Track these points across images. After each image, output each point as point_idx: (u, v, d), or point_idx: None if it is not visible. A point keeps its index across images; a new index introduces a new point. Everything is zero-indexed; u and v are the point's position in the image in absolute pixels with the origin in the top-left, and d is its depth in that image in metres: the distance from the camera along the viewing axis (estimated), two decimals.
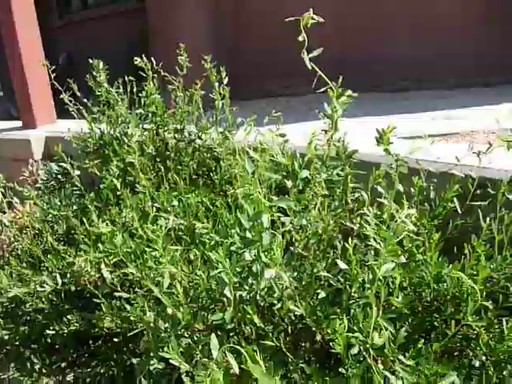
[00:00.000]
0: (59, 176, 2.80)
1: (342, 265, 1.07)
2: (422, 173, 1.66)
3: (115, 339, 1.61)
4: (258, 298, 1.12)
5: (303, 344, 1.31)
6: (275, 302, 1.25)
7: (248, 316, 1.11)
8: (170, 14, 5.69)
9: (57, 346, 1.70)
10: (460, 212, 1.56)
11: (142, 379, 1.14)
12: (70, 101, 2.36)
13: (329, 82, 1.31)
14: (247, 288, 1.13)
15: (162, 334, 1.08)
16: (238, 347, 0.82)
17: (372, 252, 1.13)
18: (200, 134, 2.28)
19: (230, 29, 5.61)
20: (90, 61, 2.30)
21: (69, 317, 1.65)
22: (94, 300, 1.62)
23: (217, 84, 2.27)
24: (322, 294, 1.13)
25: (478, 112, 3.38)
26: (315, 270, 1.37)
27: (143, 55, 2.31)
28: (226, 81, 2.09)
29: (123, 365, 1.60)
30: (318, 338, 1.30)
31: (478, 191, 1.68)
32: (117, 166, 1.88)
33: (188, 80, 2.49)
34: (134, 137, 1.84)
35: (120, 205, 1.94)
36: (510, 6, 4.49)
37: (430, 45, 4.79)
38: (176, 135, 2.37)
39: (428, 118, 3.44)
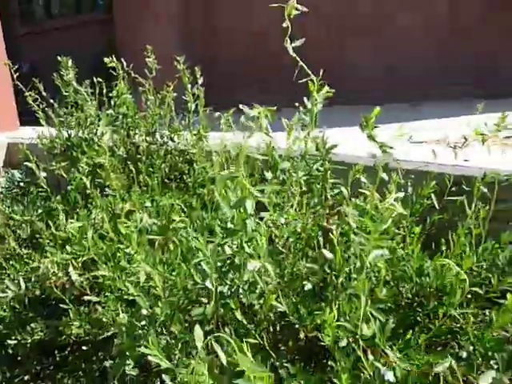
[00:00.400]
0: (22, 184, 2.66)
1: (328, 254, 1.04)
2: (399, 172, 1.66)
3: (84, 347, 1.51)
4: (240, 293, 1.07)
5: (287, 342, 1.26)
6: (257, 299, 1.20)
7: (230, 312, 1.05)
8: (138, 27, 5.64)
9: (19, 358, 1.58)
10: (438, 208, 1.56)
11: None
12: (35, 104, 2.26)
13: (310, 73, 1.30)
14: (229, 283, 1.08)
15: (139, 331, 1.00)
16: (225, 336, 0.77)
17: (356, 241, 1.10)
18: (172, 135, 2.22)
19: (199, 44, 5.59)
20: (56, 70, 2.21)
21: (32, 325, 1.53)
22: (61, 306, 1.51)
23: (189, 86, 2.23)
24: (308, 286, 1.09)
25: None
26: (295, 269, 1.33)
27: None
28: (201, 81, 2.05)
29: (92, 375, 1.49)
30: (302, 335, 1.26)
31: (454, 189, 1.70)
32: (87, 163, 1.79)
33: (158, 83, 2.44)
34: (104, 136, 1.76)
35: (88, 207, 1.85)
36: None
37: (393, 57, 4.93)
38: (147, 138, 2.31)
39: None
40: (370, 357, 0.94)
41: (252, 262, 1.05)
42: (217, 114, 2.05)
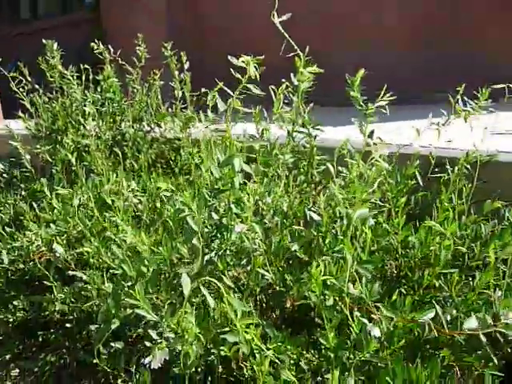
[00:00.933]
0: (5, 175, 2.63)
1: (315, 216, 1.05)
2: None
3: (67, 324, 1.48)
4: (227, 254, 1.07)
5: (273, 311, 1.26)
6: (244, 266, 1.20)
7: (216, 274, 1.04)
8: (124, 24, 5.63)
9: (0, 337, 1.54)
10: (422, 185, 1.59)
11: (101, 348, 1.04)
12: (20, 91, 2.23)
13: (296, 47, 1.31)
14: (216, 246, 1.07)
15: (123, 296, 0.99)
16: (212, 279, 0.77)
17: (342, 202, 1.10)
18: (159, 122, 2.21)
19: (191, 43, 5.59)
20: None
21: (15, 303, 1.51)
22: (44, 283, 1.49)
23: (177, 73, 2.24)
24: (295, 247, 1.09)
25: None
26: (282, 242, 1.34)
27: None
28: (187, 65, 2.05)
29: (76, 352, 1.47)
30: (288, 304, 1.26)
31: (437, 169, 1.74)
32: (72, 145, 1.78)
33: (146, 74, 2.44)
34: (89, 117, 1.75)
35: (74, 188, 1.82)
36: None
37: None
38: (134, 125, 2.30)
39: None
40: (357, 313, 0.95)
41: (239, 225, 1.05)
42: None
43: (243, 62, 0.93)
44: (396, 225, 1.35)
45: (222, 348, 0.92)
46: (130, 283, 0.98)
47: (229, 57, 0.92)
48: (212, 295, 1.07)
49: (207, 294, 0.77)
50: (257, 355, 0.88)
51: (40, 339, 1.60)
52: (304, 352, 1.06)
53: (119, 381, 1.10)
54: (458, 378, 0.93)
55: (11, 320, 1.53)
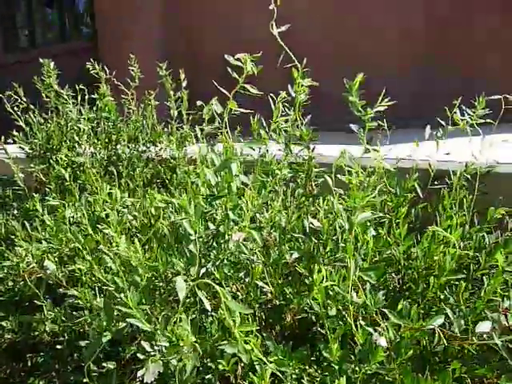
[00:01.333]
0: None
1: (315, 222, 1.01)
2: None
3: (58, 346, 1.42)
4: (225, 264, 1.02)
5: (273, 327, 1.21)
6: (242, 279, 1.16)
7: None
8: (121, 53, 5.70)
9: None
10: (422, 198, 1.56)
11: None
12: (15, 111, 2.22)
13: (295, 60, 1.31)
14: (213, 257, 1.03)
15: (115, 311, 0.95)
16: (208, 282, 0.72)
17: (342, 210, 1.07)
18: (155, 141, 2.20)
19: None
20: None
21: (3, 323, 1.44)
22: (35, 302, 1.43)
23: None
24: (295, 255, 1.05)
25: None
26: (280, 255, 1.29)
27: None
28: (184, 83, 2.05)
29: (66, 377, 1.40)
30: (288, 318, 1.21)
31: (436, 182, 1.71)
32: (66, 164, 1.75)
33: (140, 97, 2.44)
34: (84, 134, 1.73)
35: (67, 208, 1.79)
36: None
37: None
38: (129, 144, 2.28)
39: None
40: (362, 322, 0.91)
41: (237, 233, 1.02)
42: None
43: (239, 60, 0.92)
44: (398, 235, 1.32)
45: (219, 361, 0.87)
46: (122, 295, 0.93)
47: (225, 56, 0.91)
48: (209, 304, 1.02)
49: (204, 298, 0.72)
50: (257, 367, 0.82)
51: (29, 363, 1.53)
52: (306, 367, 1.01)
53: None
54: None
55: None
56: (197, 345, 0.76)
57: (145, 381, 0.79)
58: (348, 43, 4.91)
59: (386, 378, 0.92)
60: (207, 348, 0.87)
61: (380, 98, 1.09)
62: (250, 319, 1.10)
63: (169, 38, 5.72)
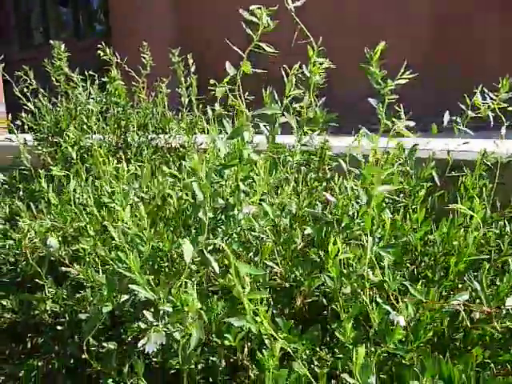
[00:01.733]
0: (6, 186, 2.57)
1: (330, 197, 0.96)
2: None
3: (58, 327, 1.37)
4: (234, 245, 0.97)
5: (282, 310, 1.15)
6: (252, 255, 1.10)
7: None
8: (135, 50, 5.71)
9: None
10: (439, 185, 1.50)
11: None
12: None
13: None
14: (223, 229, 0.98)
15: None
16: (216, 241, 0.67)
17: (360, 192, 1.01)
18: (164, 127, 2.16)
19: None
20: None
21: (3, 302, 1.40)
22: (37, 281, 1.39)
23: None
24: (309, 230, 1.00)
25: None
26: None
27: None
28: (193, 68, 2.01)
29: (66, 358, 1.35)
30: (298, 302, 1.15)
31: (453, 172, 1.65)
32: (73, 137, 1.71)
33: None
34: (93, 115, 1.69)
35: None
36: None
37: None
38: (138, 131, 2.24)
39: None
40: (379, 300, 0.85)
41: (248, 206, 0.97)
42: None
43: (254, 14, 0.87)
44: (415, 220, 1.25)
45: (226, 336, 0.82)
46: (126, 260, 0.88)
47: (240, 10, 0.86)
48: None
49: (211, 259, 0.68)
50: (266, 342, 0.77)
51: (29, 345, 1.48)
52: (317, 349, 0.95)
53: (110, 381, 0.99)
54: (496, 373, 0.81)
55: None
56: (202, 312, 0.71)
57: (146, 350, 0.74)
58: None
59: (403, 361, 0.86)
60: (213, 320, 0.82)
61: (401, 71, 1.04)
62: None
63: (181, 36, 5.72)
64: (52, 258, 1.31)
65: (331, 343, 1.07)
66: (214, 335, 0.87)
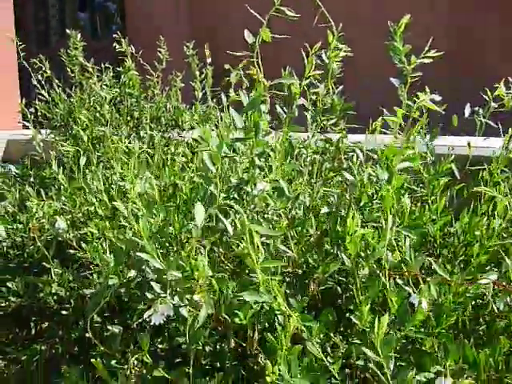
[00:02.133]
0: (18, 178, 2.56)
1: (348, 176, 0.92)
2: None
3: (63, 312, 1.34)
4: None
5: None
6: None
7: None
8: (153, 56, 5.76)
9: None
10: (459, 178, 1.45)
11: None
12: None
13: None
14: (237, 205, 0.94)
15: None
16: (231, 204, 0.64)
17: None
18: (177, 119, 2.14)
19: None
20: None
21: (9, 285, 1.38)
22: (44, 264, 1.36)
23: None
24: (325, 209, 0.96)
25: None
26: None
27: None
28: (209, 60, 2.00)
29: (70, 344, 1.32)
30: (312, 288, 1.11)
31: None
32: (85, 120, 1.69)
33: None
34: (106, 103, 1.68)
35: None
36: None
37: None
38: (151, 124, 2.23)
39: None
40: (399, 281, 0.80)
41: (262, 182, 0.93)
42: None
43: None
44: (434, 210, 1.21)
45: (236, 312, 0.77)
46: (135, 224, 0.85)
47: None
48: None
49: (224, 220, 0.64)
50: (279, 317, 0.73)
51: (33, 330, 1.45)
52: (331, 334, 0.90)
53: (113, 362, 0.95)
54: None
55: (3, 305, 1.39)
56: (213, 280, 0.67)
57: (152, 322, 0.70)
58: None
59: (423, 348, 0.81)
60: (223, 298, 0.78)
61: (424, 51, 1.00)
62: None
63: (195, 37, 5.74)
64: (60, 239, 1.28)
65: (345, 332, 1.02)
66: (223, 314, 0.83)
